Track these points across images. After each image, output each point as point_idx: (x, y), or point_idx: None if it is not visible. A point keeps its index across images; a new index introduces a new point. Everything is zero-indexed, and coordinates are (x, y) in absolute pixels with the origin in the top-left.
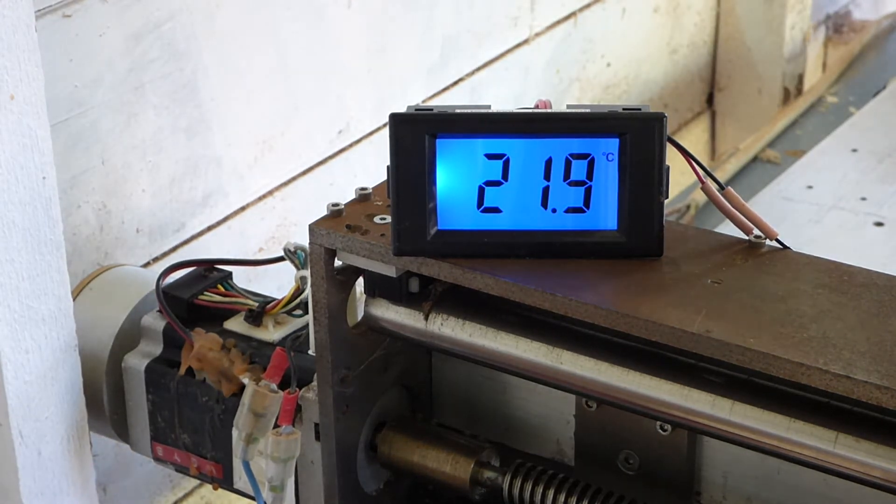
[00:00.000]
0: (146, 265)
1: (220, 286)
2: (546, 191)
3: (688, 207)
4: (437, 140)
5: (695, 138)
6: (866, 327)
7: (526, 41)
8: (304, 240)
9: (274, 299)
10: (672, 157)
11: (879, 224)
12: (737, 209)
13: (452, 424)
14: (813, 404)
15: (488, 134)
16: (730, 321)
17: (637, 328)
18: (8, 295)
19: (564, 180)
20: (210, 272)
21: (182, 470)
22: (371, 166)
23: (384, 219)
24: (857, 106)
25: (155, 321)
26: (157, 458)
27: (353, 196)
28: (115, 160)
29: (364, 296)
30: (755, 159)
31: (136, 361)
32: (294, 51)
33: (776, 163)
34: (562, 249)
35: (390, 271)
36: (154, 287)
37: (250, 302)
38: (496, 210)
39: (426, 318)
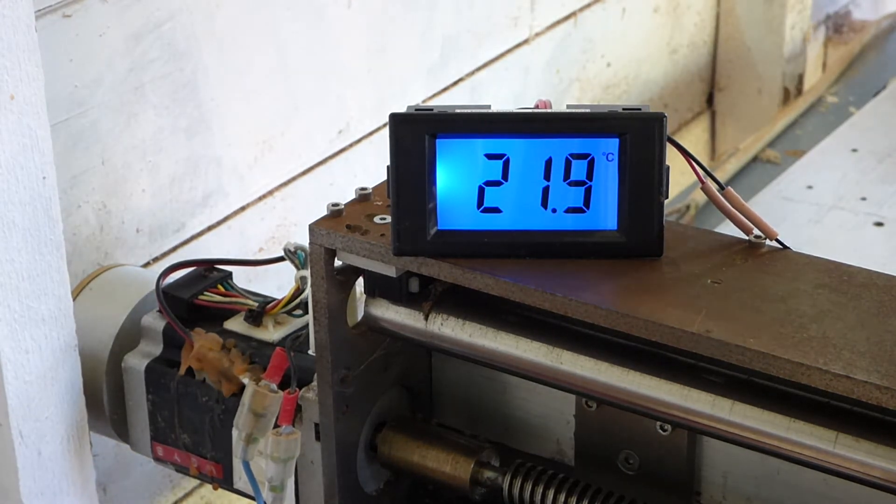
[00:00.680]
0: (146, 265)
1: (220, 286)
2: (546, 191)
3: (688, 207)
4: (437, 140)
5: (695, 138)
6: (866, 327)
7: (526, 41)
8: (304, 240)
9: (274, 299)
10: (672, 157)
11: (879, 224)
12: (737, 209)
13: (452, 424)
14: (813, 404)
15: (488, 134)
16: (730, 321)
17: (637, 328)
18: (8, 295)
19: (564, 180)
20: (210, 272)
21: (182, 470)
22: (371, 166)
23: (384, 219)
24: (857, 106)
25: (155, 321)
26: (157, 458)
27: (353, 196)
28: (115, 160)
29: (364, 296)
30: (755, 159)
31: (136, 361)
32: (294, 51)
33: (776, 163)
34: (562, 249)
35: (390, 271)
36: (154, 287)
37: (250, 302)
38: (496, 210)
39: (426, 318)
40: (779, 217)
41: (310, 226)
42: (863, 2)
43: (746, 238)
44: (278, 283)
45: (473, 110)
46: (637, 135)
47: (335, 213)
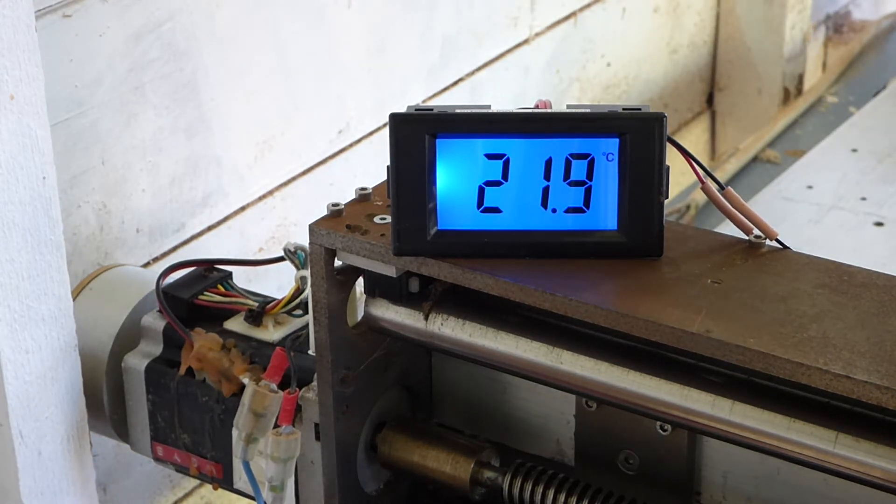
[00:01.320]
0: (146, 265)
1: (220, 286)
2: (546, 191)
3: (688, 207)
4: (437, 140)
5: (695, 138)
6: (866, 327)
7: (526, 41)
8: (304, 240)
9: (274, 299)
10: (672, 157)
11: (879, 224)
12: (737, 209)
13: (452, 424)
14: (813, 404)
15: (488, 134)
16: (730, 321)
17: (637, 328)
18: (8, 295)
19: (564, 180)
20: (210, 272)
21: (182, 470)
22: (371, 166)
23: (384, 219)
24: (857, 106)
25: (155, 321)
26: (157, 458)
27: (353, 196)
28: (115, 160)
29: (364, 296)
30: (755, 159)
31: (136, 361)
32: (294, 51)
33: (776, 163)
34: (562, 249)
35: (390, 271)
36: (154, 287)
37: (250, 302)
38: (496, 210)
39: (426, 318)
40: (779, 217)
41: (310, 226)
42: (863, 2)
43: (746, 238)
44: (278, 283)
45: (473, 110)
46: (637, 135)
47: (335, 213)
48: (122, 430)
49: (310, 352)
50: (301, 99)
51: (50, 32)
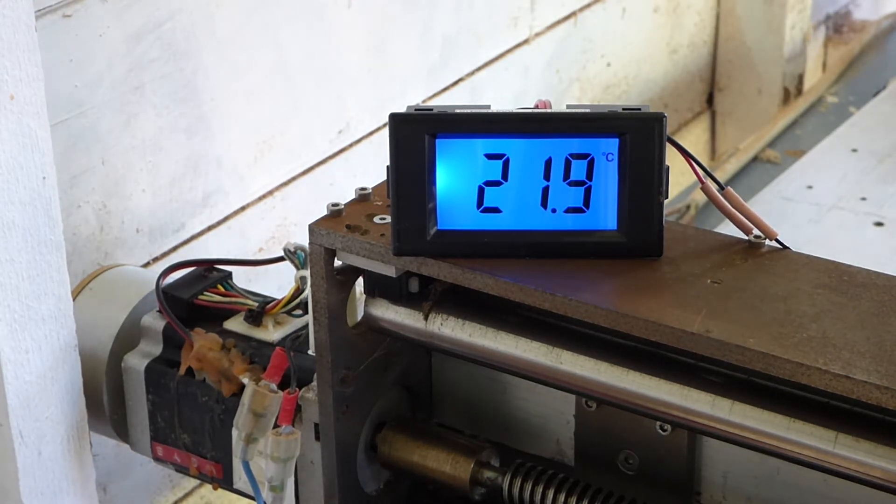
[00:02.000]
0: (146, 265)
1: (220, 286)
2: (546, 191)
3: (688, 207)
4: (437, 140)
5: (695, 138)
6: (866, 327)
7: (526, 41)
8: (304, 240)
9: (274, 299)
10: (672, 157)
11: (879, 224)
12: (737, 209)
13: (452, 424)
14: (813, 404)
15: (488, 134)
16: (729, 321)
17: (637, 328)
18: (8, 295)
19: (564, 180)
20: (210, 272)
21: (182, 470)
22: (371, 166)
23: (384, 219)
24: (857, 106)
25: (155, 321)
26: (157, 458)
27: (353, 196)
28: (115, 160)
29: (364, 296)
30: (755, 159)
31: (136, 361)
32: (294, 51)
33: (776, 163)
34: (562, 249)
35: (390, 271)
36: (154, 287)
37: (250, 302)
38: (496, 210)
39: (426, 318)
40: (779, 217)
41: (310, 226)
42: (863, 2)
43: (746, 238)
44: (278, 283)
45: (473, 110)
46: (637, 135)
47: (335, 213)
48: (122, 430)
49: (310, 352)
50: (301, 99)
51: (50, 32)
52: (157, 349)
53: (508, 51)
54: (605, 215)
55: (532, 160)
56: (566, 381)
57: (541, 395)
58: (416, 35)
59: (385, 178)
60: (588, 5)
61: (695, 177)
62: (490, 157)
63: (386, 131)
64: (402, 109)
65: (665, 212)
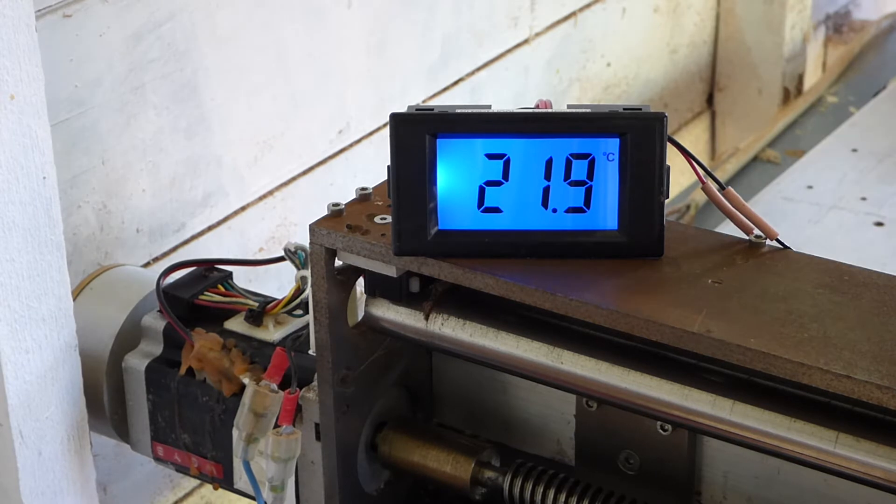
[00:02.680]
0: (146, 265)
1: (220, 286)
2: (546, 191)
3: (688, 207)
4: (438, 140)
5: (695, 138)
6: (867, 327)
7: (526, 41)
8: (304, 240)
9: (274, 299)
10: (672, 157)
11: (879, 224)
12: (737, 209)
13: (453, 424)
14: (813, 404)
15: (488, 134)
16: (730, 321)
17: (637, 328)
18: (8, 295)
19: (565, 180)
20: (210, 272)
21: (182, 470)
22: (371, 166)
23: (384, 219)
24: (857, 106)
25: (155, 321)
26: (157, 458)
27: (353, 196)
28: (115, 160)
29: (364, 296)
30: (755, 159)
31: (137, 361)
32: (294, 51)
33: (776, 163)
34: (562, 249)
35: (391, 271)
36: (154, 287)
37: (250, 302)
38: (496, 210)
39: (426, 318)
40: (779, 217)
41: (310, 226)
42: (863, 2)
43: (747, 238)
44: (278, 283)
45: (474, 110)
46: (637, 135)
47: (335, 213)
48: (122, 430)
49: (310, 352)
50: (301, 99)
51: (50, 32)
52: (157, 349)
53: (508, 51)
54: (606, 215)
55: (533, 160)
56: (567, 381)
57: (541, 395)
58: (416, 35)
59: (385, 178)
60: (588, 5)
61: (695, 176)
62: (491, 156)
63: (386, 131)
64: (403, 109)
65: (665, 212)
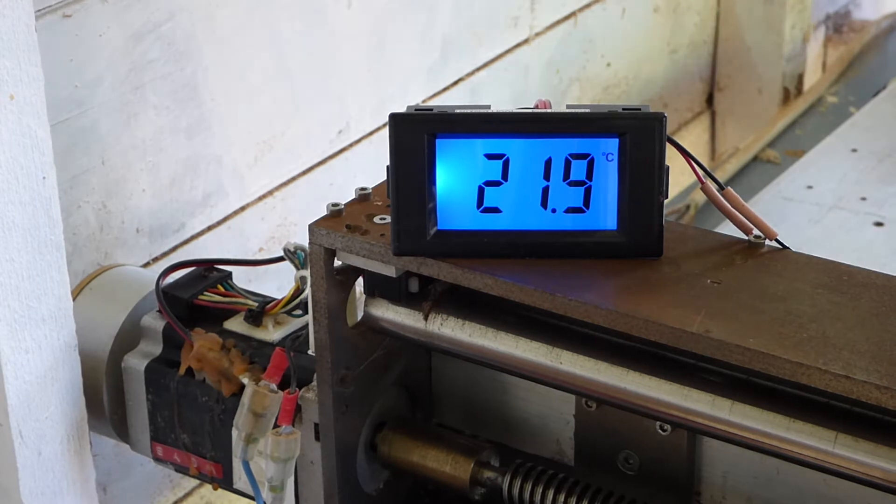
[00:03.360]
0: (146, 265)
1: (219, 286)
2: (546, 191)
3: (688, 207)
4: (437, 140)
5: (695, 138)
6: (866, 327)
7: (526, 41)
8: (304, 240)
9: (274, 299)
10: (672, 157)
11: (879, 224)
12: (736, 209)
13: (452, 424)
14: (813, 404)
15: (488, 134)
16: (729, 321)
17: (637, 328)
18: (8, 295)
19: (564, 180)
20: (210, 272)
21: (182, 470)
22: (371, 166)
23: (384, 219)
24: (857, 106)
25: (155, 321)
26: (157, 458)
27: (353, 196)
28: (115, 160)
29: (364, 296)
30: (755, 159)
31: (136, 361)
32: (294, 51)
33: (776, 163)
34: (561, 249)
35: (390, 271)
36: (154, 287)
37: (250, 302)
38: (496, 210)
39: (426, 318)
40: (779, 217)
41: (310, 226)
42: (863, 2)
43: (746, 238)
44: (278, 283)
45: (473, 110)
46: (637, 135)
47: (335, 213)
48: (122, 430)
49: (309, 352)
50: (301, 99)
51: (50, 32)
52: (157, 349)
53: (508, 51)
54: (605, 215)
55: (532, 160)
56: (566, 381)
57: (541, 395)
58: (416, 35)
59: (385, 178)
60: (588, 5)
61: (695, 177)
62: (490, 157)
63: (386, 131)
64: (402, 109)
65: (665, 212)
